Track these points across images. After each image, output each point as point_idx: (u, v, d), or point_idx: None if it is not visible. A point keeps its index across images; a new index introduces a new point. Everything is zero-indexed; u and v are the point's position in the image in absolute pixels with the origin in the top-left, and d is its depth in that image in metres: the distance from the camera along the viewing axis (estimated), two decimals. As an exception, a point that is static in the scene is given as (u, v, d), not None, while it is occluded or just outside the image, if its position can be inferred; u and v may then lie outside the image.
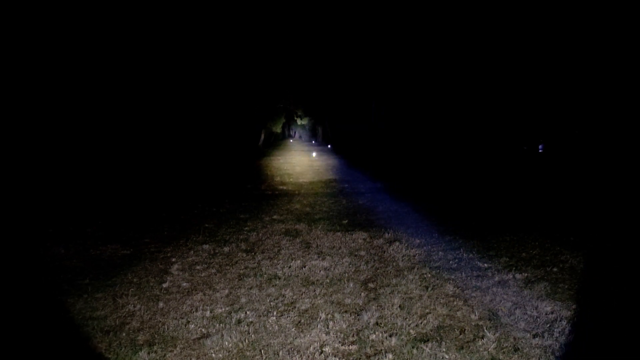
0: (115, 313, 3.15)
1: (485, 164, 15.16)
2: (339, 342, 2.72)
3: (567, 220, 6.10)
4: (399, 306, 3.22)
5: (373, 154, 20.28)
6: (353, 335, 2.80)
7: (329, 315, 3.08)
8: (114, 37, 14.50)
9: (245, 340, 2.75)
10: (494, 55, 19.19)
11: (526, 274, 3.87)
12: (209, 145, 20.93)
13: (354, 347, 2.65)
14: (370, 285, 3.67)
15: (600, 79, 16.95)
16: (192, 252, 4.63)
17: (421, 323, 2.95)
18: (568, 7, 16.37)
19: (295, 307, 3.24)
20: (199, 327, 2.92)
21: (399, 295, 3.43)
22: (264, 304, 3.29)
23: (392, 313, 3.11)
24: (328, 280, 3.78)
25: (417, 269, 4.04)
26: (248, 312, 3.15)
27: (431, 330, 2.85)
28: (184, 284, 3.72)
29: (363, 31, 21.39)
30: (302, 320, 3.02)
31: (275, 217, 6.42)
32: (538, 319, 2.99)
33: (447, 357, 2.53)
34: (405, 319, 3.02)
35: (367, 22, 20.71)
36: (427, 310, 3.15)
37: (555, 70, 18.23)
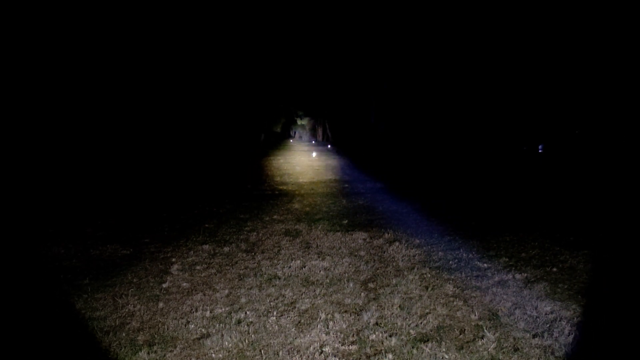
0: (115, 313, 3.15)
1: (485, 164, 15.16)
2: (339, 342, 2.72)
3: (567, 220, 6.10)
4: (399, 306, 3.22)
5: (373, 155, 20.28)
6: (353, 335, 2.80)
7: (329, 315, 3.08)
8: (116, 38, 14.50)
9: (245, 340, 2.75)
10: (494, 55, 19.20)
11: (526, 274, 3.87)
12: (209, 146, 20.93)
13: (354, 347, 2.66)
14: (370, 285, 3.67)
15: (600, 79, 16.95)
16: (192, 252, 4.63)
17: (421, 323, 2.95)
18: (568, 7, 16.37)
19: (295, 307, 3.24)
20: (199, 327, 2.93)
21: (399, 295, 3.43)
22: (264, 304, 3.30)
23: (392, 313, 3.11)
24: (328, 281, 3.78)
25: (417, 269, 4.04)
26: (248, 312, 3.15)
27: (431, 330, 2.85)
28: (184, 284, 3.72)
29: (363, 32, 21.39)
30: (302, 321, 3.02)
31: (275, 217, 6.42)
32: (538, 319, 2.99)
33: (447, 357, 2.53)
34: (405, 319, 3.02)
35: (368, 22, 20.72)
36: (427, 310, 3.15)
37: (555, 70, 18.24)
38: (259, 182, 10.71)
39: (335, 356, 2.56)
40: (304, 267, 4.14)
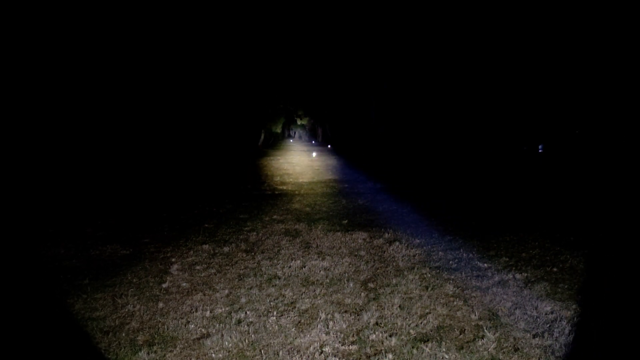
0: (115, 313, 3.15)
1: (485, 165, 15.16)
2: (339, 342, 2.72)
3: (567, 220, 6.10)
4: (399, 306, 3.22)
5: (373, 155, 20.29)
6: (353, 335, 2.80)
7: (329, 315, 3.08)
8: (113, 37, 14.51)
9: (245, 340, 2.74)
10: (494, 55, 19.20)
11: (526, 274, 3.87)
12: (209, 146, 20.93)
13: (354, 347, 2.65)
14: (370, 285, 3.67)
15: (599, 79, 16.96)
16: (191, 252, 4.63)
17: (421, 323, 2.95)
18: (568, 7, 16.38)
19: (295, 307, 3.23)
20: (198, 327, 2.92)
21: (399, 295, 3.43)
22: (264, 304, 3.29)
23: (392, 313, 3.11)
24: (328, 280, 3.77)
25: (417, 269, 4.04)
26: (248, 312, 3.14)
27: (431, 330, 2.85)
28: (184, 284, 3.72)
29: (363, 32, 21.39)
30: (302, 320, 3.02)
31: (275, 217, 6.42)
32: (538, 319, 2.99)
33: (447, 357, 2.53)
34: (405, 319, 3.01)
35: (368, 23, 20.72)
36: (427, 310, 3.15)
37: (555, 70, 18.24)
38: (258, 182, 10.71)
39: (335, 356, 2.55)
40: (304, 267, 4.13)
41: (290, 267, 4.13)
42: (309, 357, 2.55)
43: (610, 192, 8.79)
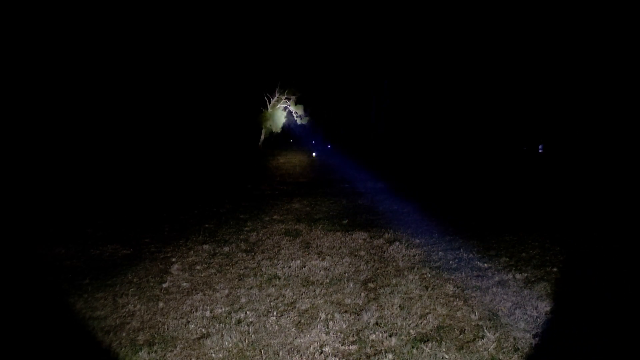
0: (116, 313, 3.15)
1: (485, 165, 15.15)
2: (339, 342, 2.72)
3: (567, 220, 6.10)
4: (399, 306, 3.22)
5: (373, 155, 20.28)
6: (353, 335, 2.80)
7: (329, 315, 3.08)
8: (114, 37, 14.51)
9: (245, 340, 2.75)
10: (495, 56, 19.19)
11: (526, 274, 3.87)
12: (210, 146, 20.94)
13: (354, 347, 2.65)
14: (370, 285, 3.67)
15: (599, 80, 16.95)
16: (192, 252, 4.63)
17: (421, 323, 2.95)
18: (568, 7, 16.37)
19: (295, 307, 3.24)
20: (199, 327, 2.92)
21: (399, 295, 3.43)
22: (264, 304, 3.29)
23: (392, 313, 3.11)
24: (328, 280, 3.78)
25: (417, 269, 4.04)
26: (248, 312, 3.15)
27: (431, 330, 2.85)
28: (184, 284, 3.72)
29: (364, 31, 21.38)
30: (302, 320, 3.02)
31: (275, 217, 6.42)
32: (538, 319, 2.99)
33: (447, 357, 2.53)
34: (405, 319, 3.01)
35: (369, 22, 20.71)
36: (427, 310, 3.15)
37: (555, 71, 18.23)
38: (258, 182, 10.71)
39: (335, 356, 2.56)
40: (304, 267, 4.14)
41: (290, 267, 4.13)
42: (309, 357, 2.56)
43: (610, 192, 8.78)
